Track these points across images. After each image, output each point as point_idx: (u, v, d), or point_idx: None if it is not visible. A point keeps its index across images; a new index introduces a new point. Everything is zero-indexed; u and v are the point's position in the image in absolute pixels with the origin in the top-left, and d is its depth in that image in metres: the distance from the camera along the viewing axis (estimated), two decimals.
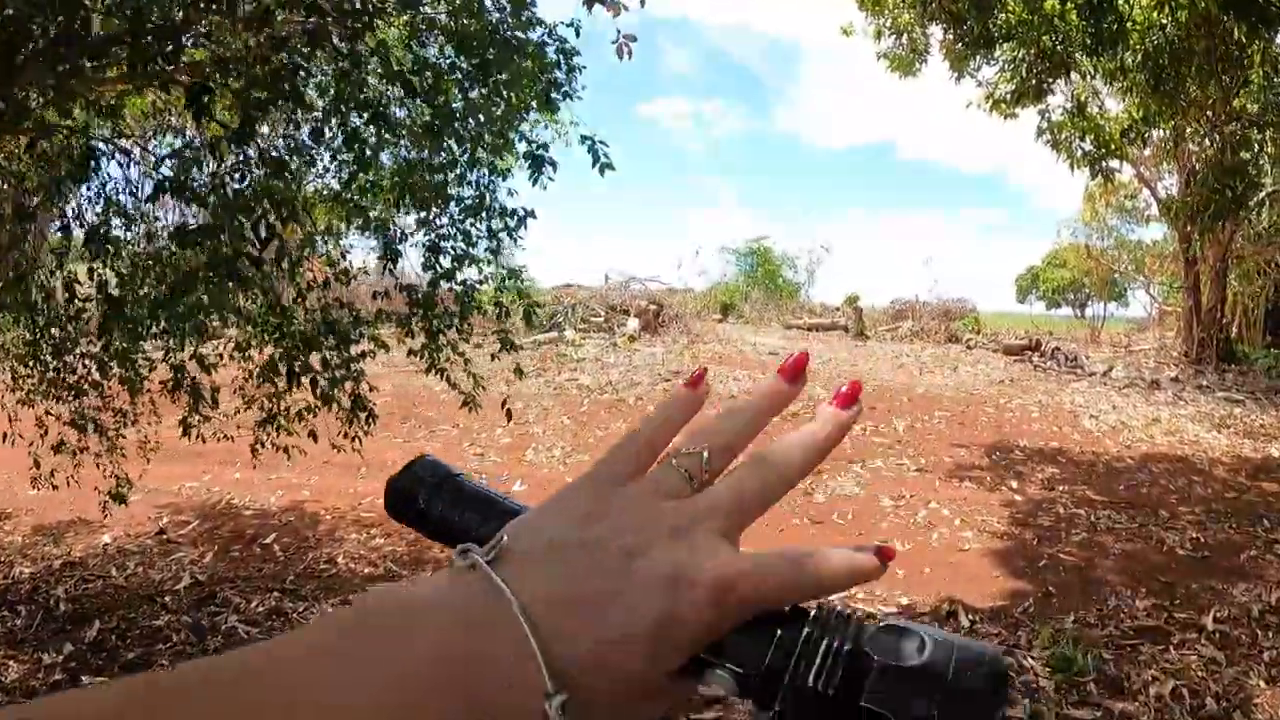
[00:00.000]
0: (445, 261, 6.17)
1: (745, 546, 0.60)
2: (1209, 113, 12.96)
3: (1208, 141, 14.03)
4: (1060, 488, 9.41)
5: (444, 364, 6.41)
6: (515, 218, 6.52)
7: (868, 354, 19.42)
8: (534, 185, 6.05)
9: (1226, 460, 11.53)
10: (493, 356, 6.54)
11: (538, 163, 5.96)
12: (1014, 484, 9.47)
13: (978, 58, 12.07)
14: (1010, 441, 11.42)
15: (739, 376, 15.26)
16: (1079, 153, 12.85)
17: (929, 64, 12.54)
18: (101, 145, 5.75)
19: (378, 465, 10.79)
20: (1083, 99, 12.78)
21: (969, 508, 8.60)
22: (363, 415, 6.49)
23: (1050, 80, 11.72)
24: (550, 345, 18.50)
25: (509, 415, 6.56)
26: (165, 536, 8.21)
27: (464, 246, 6.27)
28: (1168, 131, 14.12)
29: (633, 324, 19.96)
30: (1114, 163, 13.33)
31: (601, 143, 6.50)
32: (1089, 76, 12.36)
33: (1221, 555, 7.66)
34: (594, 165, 6.45)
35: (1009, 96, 11.79)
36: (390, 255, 6.19)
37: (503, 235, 6.58)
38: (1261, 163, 13.50)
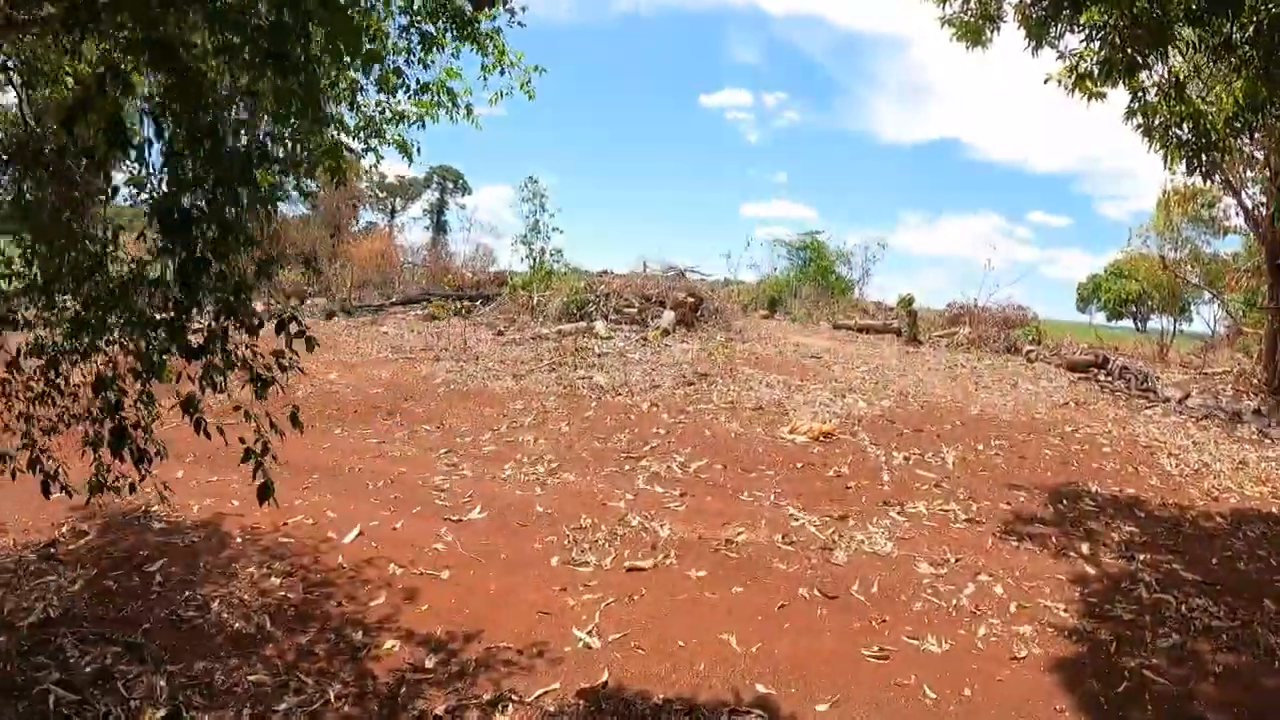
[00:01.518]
0: None
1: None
2: None
3: None
4: (1141, 557, 7.40)
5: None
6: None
7: (919, 362, 17.37)
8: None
9: None
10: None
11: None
12: (1085, 548, 7.46)
13: (1060, 24, 10.01)
14: (1079, 485, 9.37)
15: (771, 383, 13.35)
16: (1174, 141, 10.71)
17: (1002, 32, 10.45)
18: None
19: (331, 471, 9.23)
20: (1182, 78, 10.66)
21: (1028, 583, 6.64)
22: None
23: (1145, 53, 9.65)
24: (573, 336, 16.77)
25: (296, 424, 4.61)
26: (52, 551, 6.64)
27: None
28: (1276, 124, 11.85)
29: (667, 317, 18.14)
30: (1215, 156, 11.17)
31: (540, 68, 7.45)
32: (1191, 51, 10.22)
33: None
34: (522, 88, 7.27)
35: (1096, 70, 9.70)
36: None
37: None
38: None
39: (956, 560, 6.97)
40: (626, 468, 9.37)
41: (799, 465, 9.36)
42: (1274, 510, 9.48)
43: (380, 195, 62.91)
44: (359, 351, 16.64)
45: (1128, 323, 44.69)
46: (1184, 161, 11.46)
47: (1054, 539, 7.63)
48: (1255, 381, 17.78)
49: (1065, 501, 8.72)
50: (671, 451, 9.80)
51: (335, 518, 7.72)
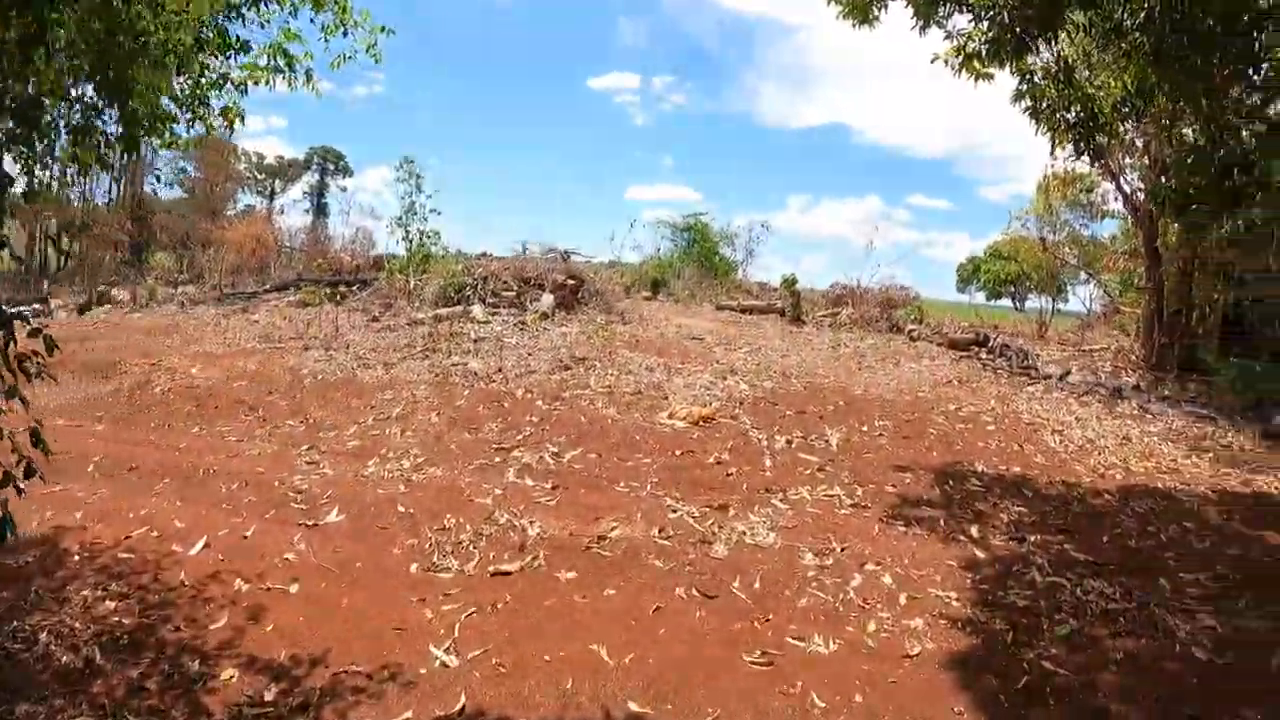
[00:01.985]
0: None
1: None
2: (1207, 99, 10.72)
3: (1199, 127, 11.72)
4: (1032, 538, 7.07)
5: None
6: None
7: (802, 343, 17.03)
8: None
9: (1215, 498, 9.32)
10: None
11: None
12: (974, 530, 7.11)
13: (948, 3, 9.68)
14: (965, 464, 9.07)
15: (651, 366, 12.82)
16: (1062, 124, 10.48)
17: (890, 10, 10.05)
18: None
19: (184, 474, 8.45)
20: (1072, 62, 10.42)
21: (918, 572, 6.21)
22: None
23: (1034, 35, 9.39)
24: (450, 321, 16.04)
25: (38, 444, 3.93)
26: None
27: None
28: (1163, 110, 11.72)
29: (546, 300, 17.51)
30: (1103, 140, 10.98)
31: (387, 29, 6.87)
32: (1081, 35, 9.99)
33: (1249, 658, 5.43)
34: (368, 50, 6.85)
35: (984, 51, 9.40)
36: None
37: None
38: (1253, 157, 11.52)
39: (842, 549, 6.52)
40: (497, 460, 8.76)
41: (677, 452, 8.85)
42: (1160, 485, 9.30)
43: (259, 177, 61.04)
44: (226, 342, 15.65)
45: (1006, 302, 45.41)
46: (1072, 144, 11.29)
47: (942, 522, 7.27)
48: (1134, 358, 18.01)
49: (951, 482, 8.39)
50: (545, 441, 9.21)
51: (182, 527, 7.00)
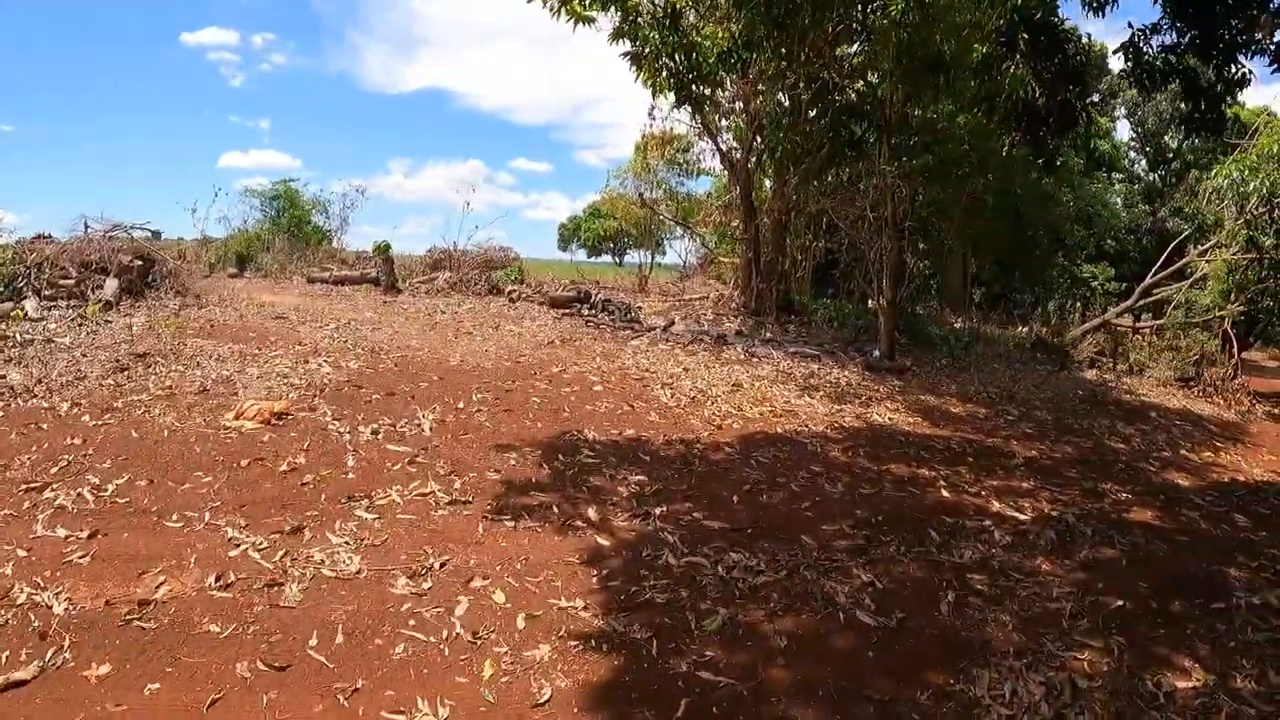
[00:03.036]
0: None
1: None
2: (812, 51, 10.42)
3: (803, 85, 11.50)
4: (658, 511, 6.21)
5: None
6: None
7: (397, 312, 15.65)
8: None
9: (836, 436, 8.98)
10: None
11: None
12: (592, 512, 6.10)
13: None
14: (575, 433, 8.12)
15: (224, 355, 11.01)
16: (665, 71, 9.78)
17: None
18: None
19: None
20: (680, 7, 9.68)
21: (534, 579, 5.08)
22: None
23: None
24: None
25: None
26: None
27: None
28: (770, 64, 11.31)
29: (109, 286, 14.96)
30: (705, 90, 10.46)
31: None
32: None
33: (917, 613, 4.90)
34: None
35: None
36: None
37: None
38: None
39: (442, 565, 5.23)
40: (26, 505, 6.76)
41: (243, 463, 7.25)
42: (780, 431, 8.82)
43: None
44: None
45: (607, 258, 46.13)
46: (674, 92, 10.63)
47: (555, 508, 6.20)
48: (734, 305, 18.22)
49: (562, 456, 7.39)
50: (88, 470, 7.29)
51: None
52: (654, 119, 21.35)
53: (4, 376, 10.27)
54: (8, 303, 14.07)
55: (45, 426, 8.44)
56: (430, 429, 8.04)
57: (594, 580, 5.06)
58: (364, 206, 31.99)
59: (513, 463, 7.22)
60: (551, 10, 8.90)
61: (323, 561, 5.34)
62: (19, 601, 5.14)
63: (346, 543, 5.60)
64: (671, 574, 5.17)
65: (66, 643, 4.68)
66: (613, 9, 9.29)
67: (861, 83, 11.21)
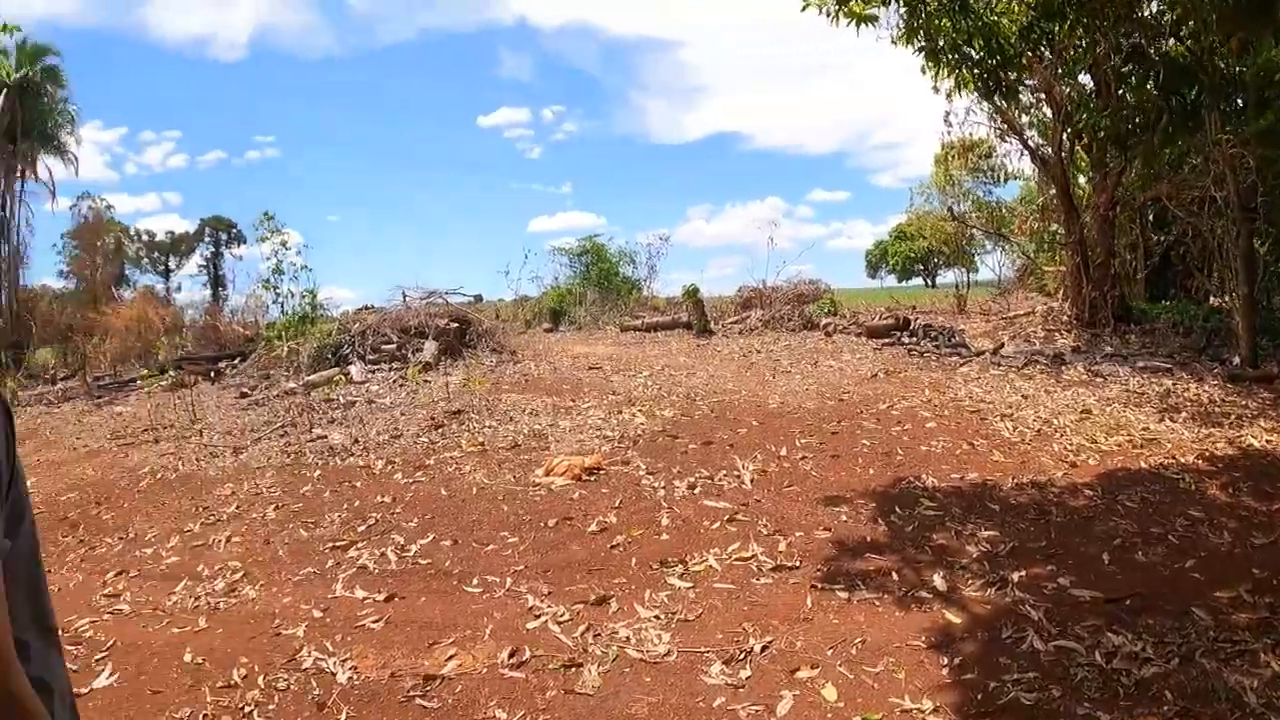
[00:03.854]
0: None
1: None
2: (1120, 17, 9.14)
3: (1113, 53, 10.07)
4: (1015, 575, 5.15)
5: None
6: None
7: (710, 354, 15.18)
8: None
9: (1211, 469, 7.52)
10: None
11: None
12: (938, 579, 5.11)
13: None
14: (911, 480, 7.10)
15: (537, 409, 10.83)
16: (966, 61, 8.78)
17: None
18: None
19: None
20: None
21: (872, 669, 4.16)
22: None
23: None
24: (324, 386, 13.95)
25: None
26: None
27: None
28: (1068, 38, 10.01)
29: (429, 349, 15.45)
30: (1011, 75, 9.34)
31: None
32: None
33: None
34: None
35: None
36: None
37: None
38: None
39: (764, 648, 4.44)
40: (330, 564, 6.68)
41: (551, 523, 6.81)
42: (1144, 465, 7.49)
43: (153, 256, 58.92)
44: (71, 445, 13.37)
45: (918, 281, 44.34)
46: (978, 83, 9.60)
47: (895, 573, 5.26)
48: (1065, 319, 16.35)
49: (899, 509, 6.40)
50: (393, 529, 7.14)
51: None
52: (950, 125, 19.99)
53: (325, 437, 10.51)
54: (335, 368, 14.69)
55: (358, 484, 8.43)
56: (751, 481, 7.33)
57: (943, 671, 4.12)
58: (669, 254, 31.92)
59: (843, 518, 6.35)
60: (829, 15, 8.12)
61: (628, 639, 4.72)
62: (304, 665, 4.92)
63: (656, 617, 4.96)
64: (1038, 663, 4.16)
65: (343, 716, 4.31)
66: (895, 2, 8.38)
67: (1174, 41, 9.61)
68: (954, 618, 4.63)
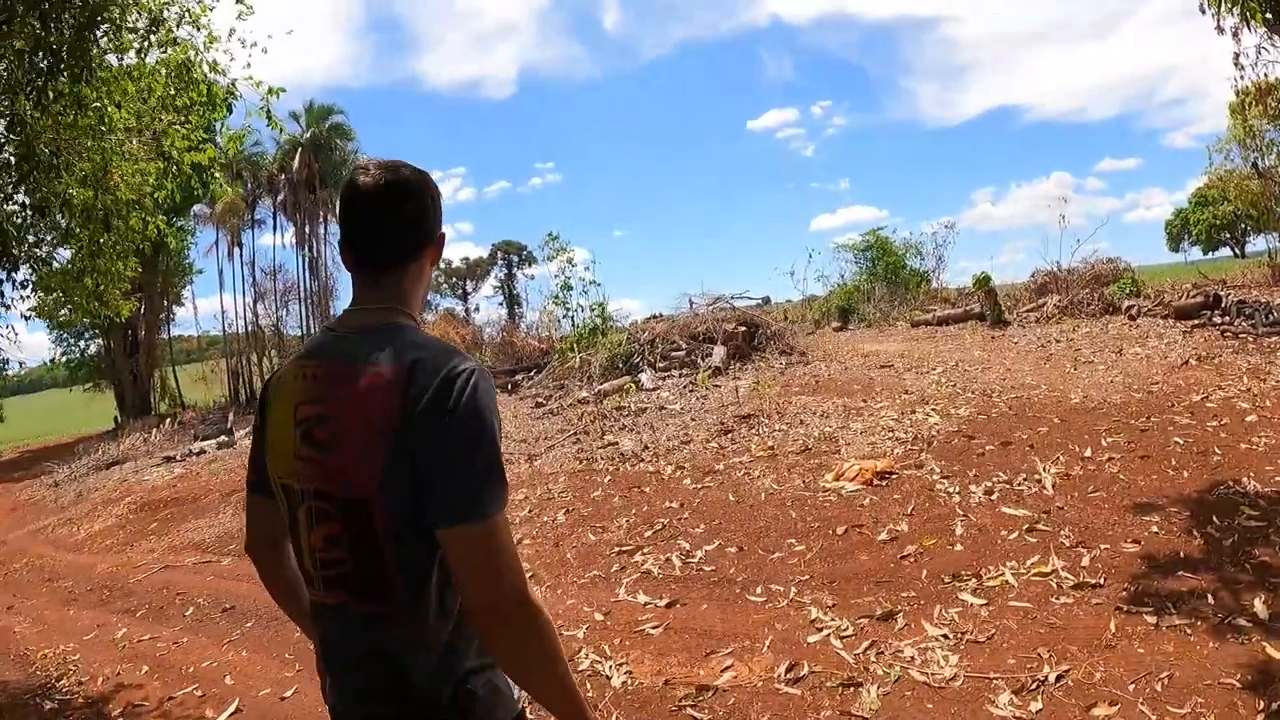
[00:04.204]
0: None
1: None
2: None
3: None
4: None
5: None
6: None
7: (1005, 346, 14.47)
8: None
9: None
10: None
11: None
12: (1259, 607, 4.49)
13: None
14: (1229, 484, 6.35)
15: (828, 411, 10.67)
16: None
17: None
18: None
19: (270, 614, 7.21)
20: None
21: (1178, 709, 3.76)
22: None
23: None
24: (615, 395, 14.37)
25: None
26: None
27: None
28: None
29: (717, 354, 15.59)
30: None
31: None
32: None
33: None
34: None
35: None
36: None
37: None
38: None
39: (1059, 678, 4.12)
40: (615, 568, 6.88)
41: (839, 530, 6.67)
42: None
43: (451, 281, 63.98)
44: None
45: (1225, 251, 40.64)
46: (1266, 12, 8.63)
47: (1211, 596, 4.71)
48: None
49: (1216, 519, 5.73)
50: (680, 535, 7.24)
51: (230, 684, 6.09)
52: (1241, 68, 17.87)
53: (616, 444, 10.78)
54: (625, 377, 15.06)
55: (647, 490, 8.59)
56: (1052, 486, 6.89)
57: (1259, 717, 3.69)
58: (956, 242, 30.54)
59: (1154, 529, 5.79)
60: None
61: (912, 659, 4.55)
62: (581, 667, 5.10)
63: (944, 636, 4.76)
64: None
65: None
66: None
67: None
68: (1275, 652, 4.08)
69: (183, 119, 7.68)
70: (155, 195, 8.04)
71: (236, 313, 43.14)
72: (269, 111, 7.98)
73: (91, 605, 9.16)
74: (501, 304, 63.67)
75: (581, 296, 20.66)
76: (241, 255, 41.37)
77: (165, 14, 7.14)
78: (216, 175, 8.09)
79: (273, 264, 43.99)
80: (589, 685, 4.89)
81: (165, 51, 7.33)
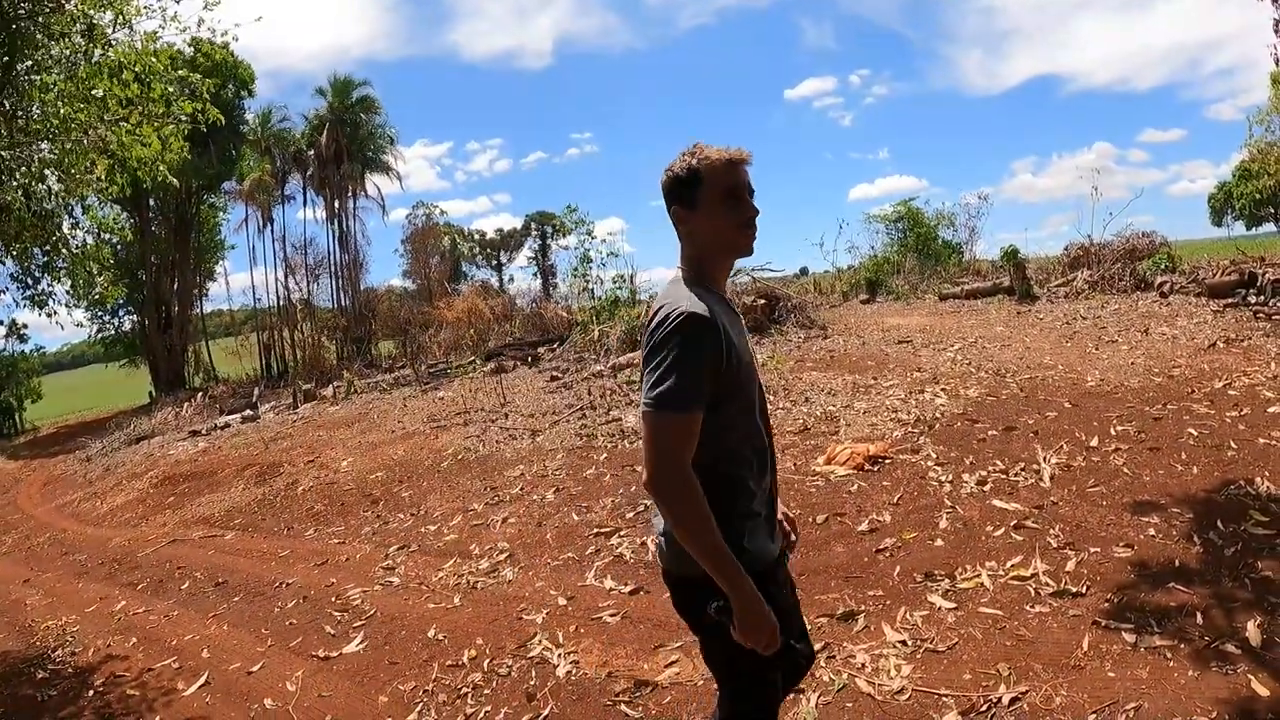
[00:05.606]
0: None
1: None
2: None
3: None
4: None
5: None
6: None
7: (1030, 323, 13.84)
8: None
9: None
10: None
11: None
12: (1252, 632, 3.89)
13: None
14: (1241, 485, 5.72)
15: (835, 388, 10.19)
16: None
17: None
18: None
19: (256, 590, 7.29)
20: None
21: None
22: None
23: None
24: (629, 369, 13.96)
25: None
26: None
27: None
28: None
29: None
30: None
31: None
32: None
33: None
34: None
35: None
36: None
37: None
38: None
39: (1013, 701, 3.60)
40: (589, 550, 6.50)
41: (819, 519, 6.18)
42: None
43: (485, 252, 63.99)
44: (391, 428, 14.20)
45: (1270, 227, 39.26)
46: None
47: (1200, 614, 4.11)
48: None
49: (1221, 524, 5.11)
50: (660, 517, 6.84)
51: (207, 658, 5.96)
52: None
53: (620, 419, 10.37)
54: (632, 353, 14.61)
55: (639, 469, 8.21)
56: (1050, 478, 6.35)
57: None
58: (991, 214, 29.62)
59: (1151, 531, 5.20)
60: None
61: (863, 666, 4.09)
62: (531, 654, 4.84)
63: (903, 642, 4.27)
64: None
65: (547, 711, 4.03)
66: None
67: None
68: (1261, 688, 3.49)
69: (124, 116, 7.62)
70: (108, 190, 8.22)
71: (268, 287, 43.37)
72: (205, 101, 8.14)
73: (100, 579, 9.02)
74: (535, 275, 63.13)
75: (600, 269, 20.23)
76: (273, 230, 41.14)
77: (99, 19, 7.25)
78: (161, 168, 7.99)
79: (303, 238, 44.11)
80: (534, 673, 4.61)
81: (105, 53, 7.42)
